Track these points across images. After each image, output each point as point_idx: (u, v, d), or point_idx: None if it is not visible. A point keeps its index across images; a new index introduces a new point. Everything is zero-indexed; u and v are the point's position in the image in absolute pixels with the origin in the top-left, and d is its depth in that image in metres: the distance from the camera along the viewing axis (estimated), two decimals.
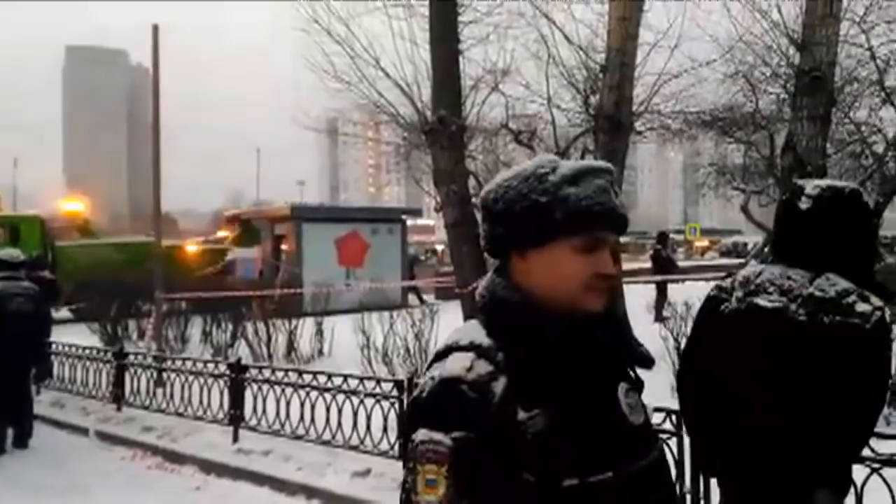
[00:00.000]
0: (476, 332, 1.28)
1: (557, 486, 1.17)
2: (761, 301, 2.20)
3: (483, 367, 1.20)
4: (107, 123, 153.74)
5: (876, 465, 3.23)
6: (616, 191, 1.29)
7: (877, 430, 3.43)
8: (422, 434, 1.18)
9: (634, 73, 9.40)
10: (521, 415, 1.18)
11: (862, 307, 2.04)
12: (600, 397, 1.27)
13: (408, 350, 8.66)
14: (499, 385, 1.19)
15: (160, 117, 10.05)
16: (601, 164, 1.33)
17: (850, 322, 2.03)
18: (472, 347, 1.24)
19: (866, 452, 3.23)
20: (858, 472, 3.25)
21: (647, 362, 1.37)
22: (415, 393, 1.28)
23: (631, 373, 1.37)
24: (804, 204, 2.20)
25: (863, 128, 15.67)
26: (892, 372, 2.21)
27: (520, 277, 1.30)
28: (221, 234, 24.52)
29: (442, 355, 1.28)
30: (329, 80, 10.70)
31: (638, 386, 1.37)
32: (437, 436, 1.16)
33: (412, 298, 18.72)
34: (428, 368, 1.30)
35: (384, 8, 10.37)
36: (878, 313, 2.03)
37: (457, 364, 1.22)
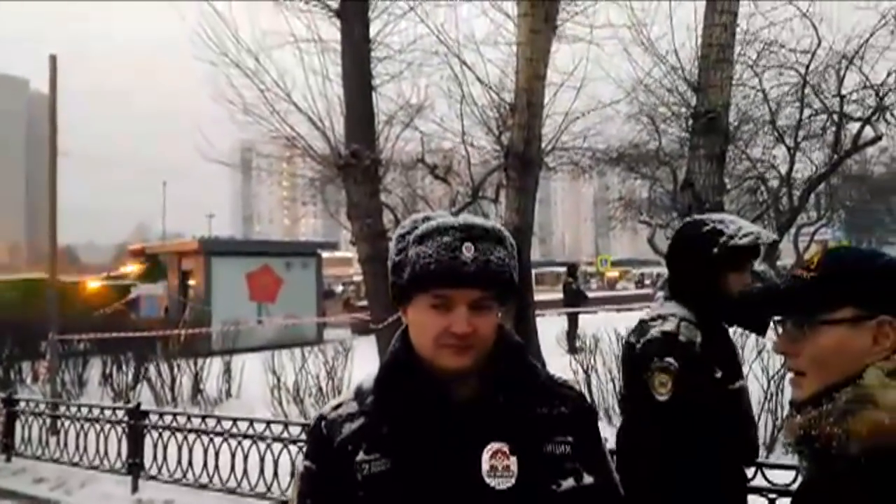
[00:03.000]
0: (371, 377, 1.41)
1: None
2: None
3: (348, 408, 1.36)
4: (3, 153, 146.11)
5: (772, 496, 3.31)
6: (476, 245, 1.28)
7: (773, 460, 3.55)
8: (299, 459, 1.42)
9: (543, 111, 9.65)
10: (360, 456, 1.29)
11: (653, 330, 2.23)
12: (453, 455, 1.27)
13: (320, 389, 8.46)
14: (351, 426, 1.33)
15: (58, 147, 9.71)
16: (457, 221, 1.33)
17: (633, 342, 2.28)
18: (355, 389, 1.41)
19: (762, 483, 3.33)
20: (755, 502, 3.34)
21: (516, 424, 1.32)
22: None
23: (524, 433, 1.31)
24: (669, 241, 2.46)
25: (758, 164, 16.62)
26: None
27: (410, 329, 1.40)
28: (125, 269, 23.57)
29: None
30: (238, 113, 10.48)
31: (531, 447, 1.31)
32: (299, 461, 1.40)
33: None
34: None
35: (295, 42, 10.29)
36: (656, 335, 2.21)
37: (332, 402, 1.42)
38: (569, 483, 1.33)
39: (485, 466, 1.27)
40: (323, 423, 1.36)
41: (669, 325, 2.22)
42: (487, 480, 1.26)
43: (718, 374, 2.24)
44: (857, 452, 1.03)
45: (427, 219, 1.35)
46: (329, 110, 10.15)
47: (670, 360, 2.14)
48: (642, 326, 2.31)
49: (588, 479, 1.35)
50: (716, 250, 2.24)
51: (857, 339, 1.14)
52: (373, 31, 10.16)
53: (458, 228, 1.30)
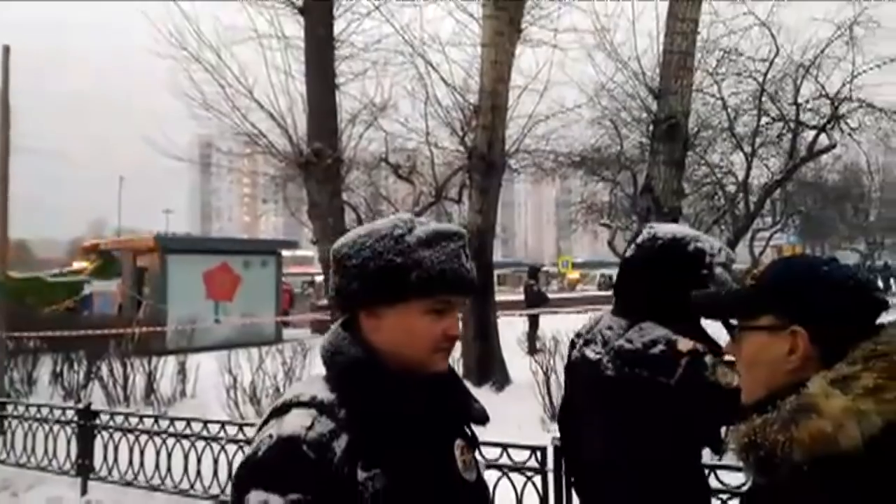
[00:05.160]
0: (318, 386, 1.27)
1: None
2: (588, 352, 2.19)
3: (324, 426, 1.19)
4: None
5: (725, 496, 3.36)
6: (467, 254, 1.35)
7: (726, 462, 3.60)
8: (255, 496, 1.14)
9: (507, 114, 9.69)
10: (361, 475, 1.18)
11: (668, 358, 2.00)
12: (437, 455, 1.30)
13: (278, 389, 8.36)
14: (340, 444, 1.18)
15: (12, 142, 9.42)
16: (455, 228, 1.37)
17: (654, 378, 1.99)
18: (313, 403, 1.23)
19: (715, 485, 3.37)
20: None
21: (483, 420, 1.41)
22: (248, 451, 1.23)
23: (467, 429, 1.41)
24: (630, 251, 2.23)
25: (716, 170, 16.94)
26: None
27: (368, 334, 1.31)
28: (79, 265, 23.03)
29: (280, 411, 1.25)
30: (197, 108, 10.33)
31: (474, 442, 1.42)
32: (273, 498, 1.13)
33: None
34: (264, 424, 1.27)
35: (258, 38, 10.17)
36: (684, 362, 1.98)
37: (296, 422, 1.20)
38: (482, 462, 1.45)
39: (458, 463, 1.33)
40: (305, 447, 1.17)
41: (684, 344, 2.02)
42: (464, 475, 1.33)
43: None
44: (801, 460, 1.05)
45: (411, 221, 1.35)
46: (291, 108, 10.11)
47: (708, 358, 1.98)
48: (645, 355, 2.05)
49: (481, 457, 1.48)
50: (705, 272, 2.15)
51: (775, 346, 1.18)
52: (337, 29, 10.12)
53: (458, 236, 1.35)
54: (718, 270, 2.31)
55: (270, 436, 1.20)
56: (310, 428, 1.18)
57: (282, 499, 1.13)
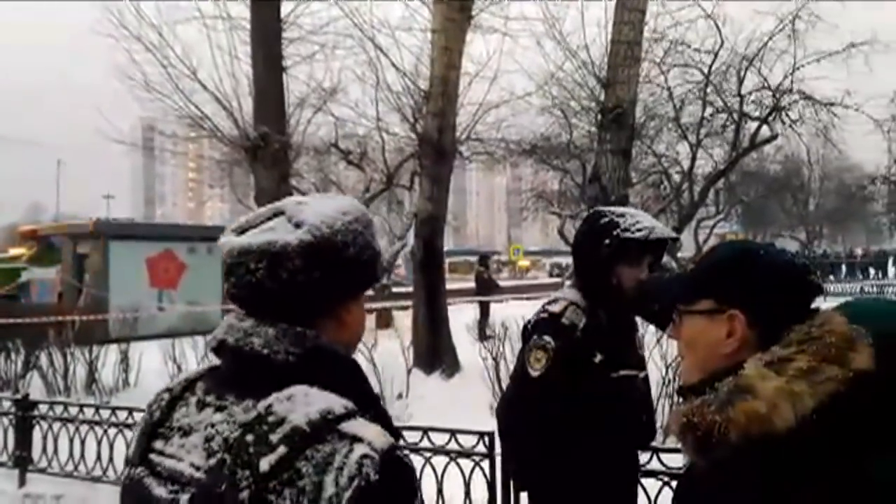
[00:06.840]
0: (324, 396, 1.05)
1: None
2: None
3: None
4: None
5: (666, 479, 3.43)
6: None
7: (669, 445, 3.67)
8: None
9: (457, 101, 9.67)
10: None
11: (542, 311, 2.41)
12: None
13: None
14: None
15: None
16: None
17: (528, 333, 2.44)
18: (357, 414, 1.06)
19: (658, 467, 3.44)
20: (651, 485, 3.46)
21: None
22: (364, 487, 0.98)
23: None
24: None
25: (662, 160, 17.25)
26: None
27: (329, 330, 1.15)
28: (16, 251, 22.22)
29: (326, 430, 1.01)
30: (139, 90, 10.03)
31: None
32: None
33: None
34: (297, 452, 0.99)
35: (201, 18, 9.91)
36: (543, 315, 2.39)
37: (379, 435, 1.03)
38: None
39: None
40: (407, 459, 1.07)
41: (557, 307, 2.36)
42: None
43: (597, 359, 2.34)
44: (736, 440, 1.07)
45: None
46: (237, 90, 9.88)
47: (548, 338, 2.28)
48: (540, 308, 2.47)
49: None
50: (608, 241, 2.34)
51: (714, 330, 1.21)
52: (284, 10, 9.92)
53: None
54: (665, 259, 2.51)
55: (368, 456, 0.99)
56: (391, 437, 1.06)
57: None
